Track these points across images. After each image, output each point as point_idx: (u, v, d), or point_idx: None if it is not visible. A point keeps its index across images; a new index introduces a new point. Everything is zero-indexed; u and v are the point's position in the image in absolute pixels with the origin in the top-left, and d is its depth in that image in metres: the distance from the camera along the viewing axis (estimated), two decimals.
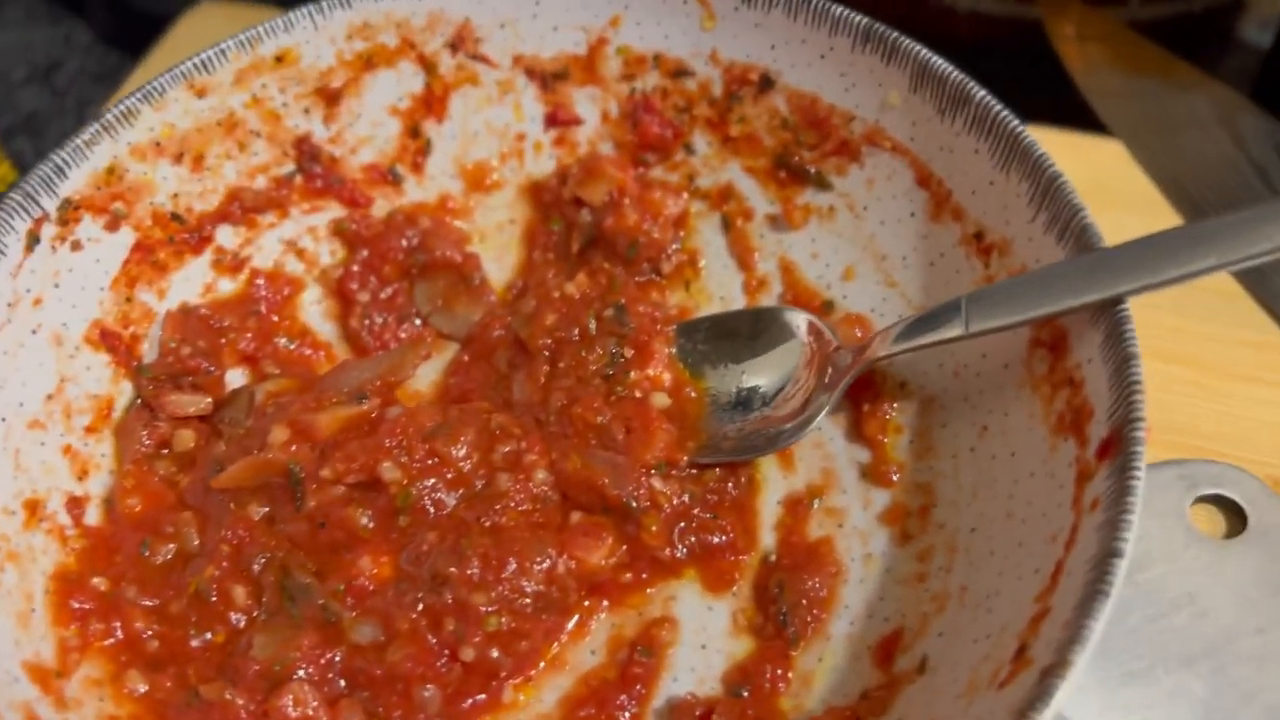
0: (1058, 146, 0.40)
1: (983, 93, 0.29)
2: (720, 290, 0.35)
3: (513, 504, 0.29)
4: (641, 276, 0.35)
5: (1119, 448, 0.23)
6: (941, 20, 0.47)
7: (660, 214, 0.34)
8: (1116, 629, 0.28)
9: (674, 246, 0.35)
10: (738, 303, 0.34)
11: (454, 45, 0.35)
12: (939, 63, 0.30)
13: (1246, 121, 0.39)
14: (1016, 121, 0.29)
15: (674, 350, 0.33)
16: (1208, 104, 0.40)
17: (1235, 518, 0.30)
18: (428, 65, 0.35)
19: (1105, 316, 0.25)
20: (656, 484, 0.30)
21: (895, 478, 0.30)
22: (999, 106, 0.29)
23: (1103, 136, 0.40)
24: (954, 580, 0.27)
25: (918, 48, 0.30)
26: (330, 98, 0.34)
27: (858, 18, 0.31)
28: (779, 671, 0.27)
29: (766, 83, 0.33)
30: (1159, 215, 0.36)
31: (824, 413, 0.30)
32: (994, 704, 0.22)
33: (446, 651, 0.27)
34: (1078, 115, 0.41)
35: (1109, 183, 0.34)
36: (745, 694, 0.27)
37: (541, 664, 0.28)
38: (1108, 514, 0.22)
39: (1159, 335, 0.34)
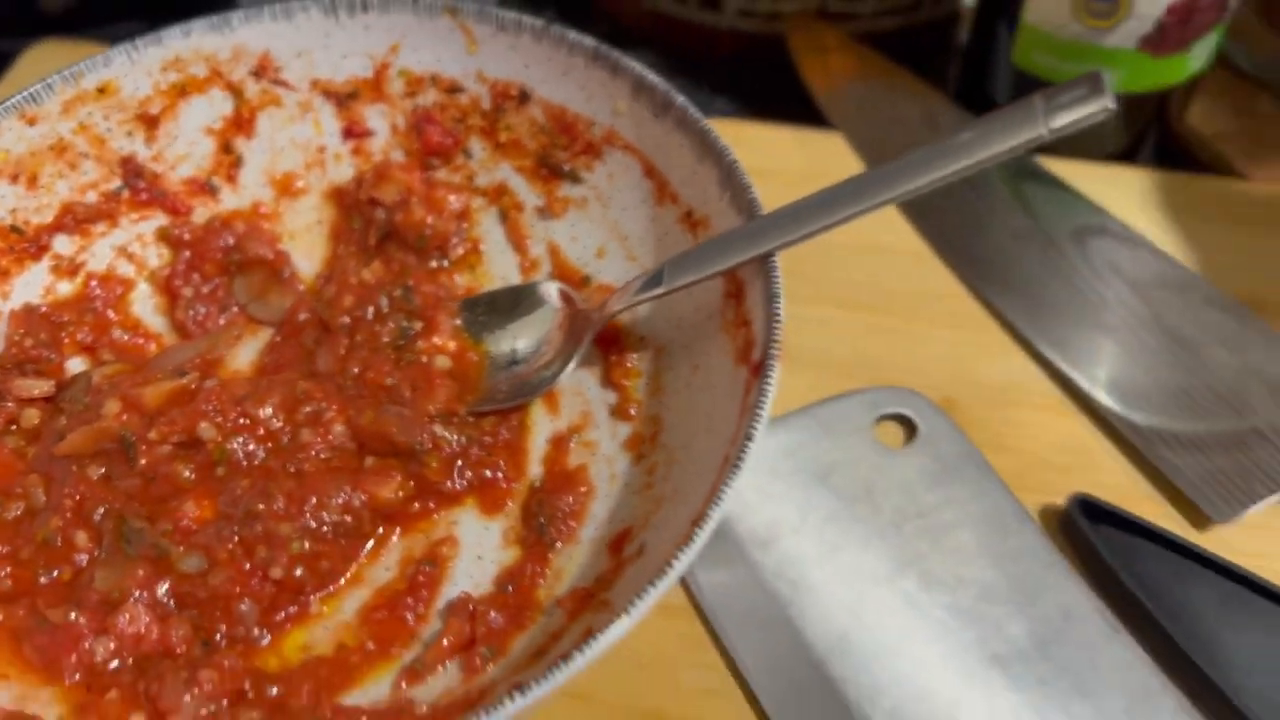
0: (790, 140, 0.47)
1: (681, 99, 0.36)
2: (500, 271, 0.41)
3: (314, 453, 0.35)
4: (432, 263, 0.41)
5: (764, 366, 0.30)
6: (707, 38, 0.54)
7: (444, 209, 0.41)
8: (812, 518, 0.35)
9: (458, 237, 0.41)
10: (515, 281, 0.41)
11: (257, 73, 0.40)
12: (650, 77, 0.37)
13: (946, 118, 0.47)
14: (705, 122, 0.35)
15: (459, 322, 0.39)
16: (917, 104, 0.47)
17: (910, 431, 0.37)
18: (235, 91, 0.40)
19: (763, 269, 0.32)
20: (438, 430, 0.36)
21: (634, 413, 0.36)
22: (693, 111, 0.36)
23: (830, 131, 0.47)
24: (669, 486, 0.33)
25: (634, 65, 0.37)
26: (150, 122, 0.39)
27: (588, 41, 0.38)
28: (538, 569, 0.34)
29: (524, 96, 0.40)
30: None
31: (574, 361, 0.36)
32: None
33: (259, 573, 0.33)
34: (818, 116, 0.48)
35: (830, 170, 0.41)
36: (510, 589, 0.33)
37: (342, 580, 0.34)
38: (752, 414, 0.29)
39: (864, 291, 0.42)
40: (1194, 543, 0.33)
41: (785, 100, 0.50)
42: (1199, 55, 0.42)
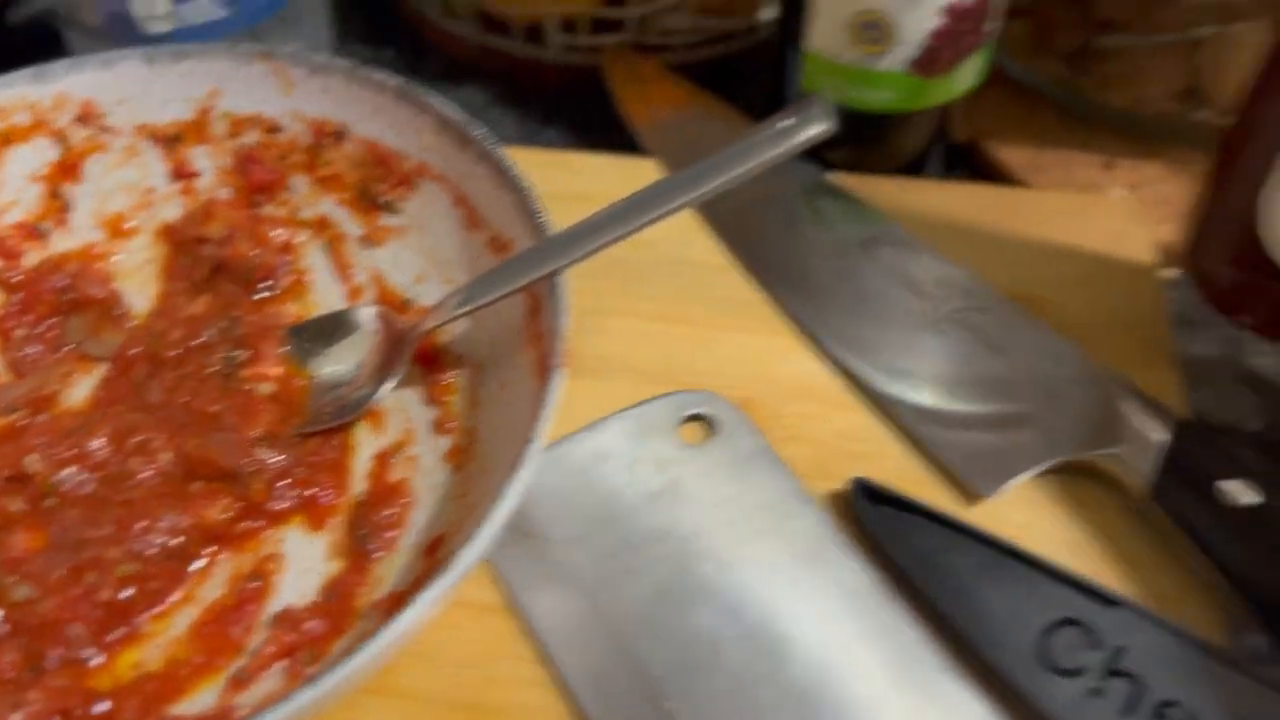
0: (610, 167, 0.50)
1: (480, 132, 0.39)
2: (327, 299, 0.43)
3: (143, 480, 0.37)
4: (260, 294, 0.43)
5: (548, 376, 0.33)
6: (534, 71, 0.57)
7: (270, 243, 0.43)
8: (618, 513, 0.38)
9: (285, 268, 0.43)
10: (341, 307, 0.43)
11: (82, 120, 0.42)
12: (451, 113, 0.40)
13: None
14: (502, 153, 0.38)
15: (286, 348, 0.41)
16: (725, 130, 0.51)
17: (710, 429, 0.41)
18: (61, 138, 0.42)
19: (552, 286, 0.35)
20: (261, 453, 0.38)
21: (452, 426, 0.39)
22: (491, 143, 0.39)
23: (647, 158, 0.50)
24: (480, 492, 0.36)
25: (436, 102, 0.40)
26: None
27: (393, 81, 0.40)
28: (358, 578, 0.36)
29: (341, 134, 0.42)
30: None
31: (392, 380, 0.39)
32: None
33: (89, 597, 0.35)
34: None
35: None
36: (331, 599, 0.36)
37: (173, 599, 0.36)
38: (536, 421, 0.32)
39: (672, 302, 0.45)
40: (960, 518, 0.37)
41: (610, 129, 0.53)
42: (967, 75, 0.46)
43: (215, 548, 0.37)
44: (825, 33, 0.44)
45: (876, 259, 0.45)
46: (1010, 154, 0.52)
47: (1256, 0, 0.46)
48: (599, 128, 0.55)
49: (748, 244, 0.46)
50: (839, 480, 0.39)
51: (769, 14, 0.55)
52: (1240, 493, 0.36)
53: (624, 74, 0.53)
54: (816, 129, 0.29)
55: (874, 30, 0.43)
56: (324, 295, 0.43)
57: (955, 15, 0.43)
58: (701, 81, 0.54)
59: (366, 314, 0.40)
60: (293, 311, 0.43)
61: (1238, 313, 0.39)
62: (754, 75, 0.56)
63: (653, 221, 0.33)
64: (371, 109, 0.41)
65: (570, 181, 0.49)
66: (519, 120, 0.56)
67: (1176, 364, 0.42)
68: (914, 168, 0.50)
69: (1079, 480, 0.39)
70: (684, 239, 0.47)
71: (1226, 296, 0.39)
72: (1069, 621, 0.35)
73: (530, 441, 0.31)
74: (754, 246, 0.46)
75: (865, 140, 0.48)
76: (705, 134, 0.50)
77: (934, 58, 0.44)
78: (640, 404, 0.41)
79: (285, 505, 0.38)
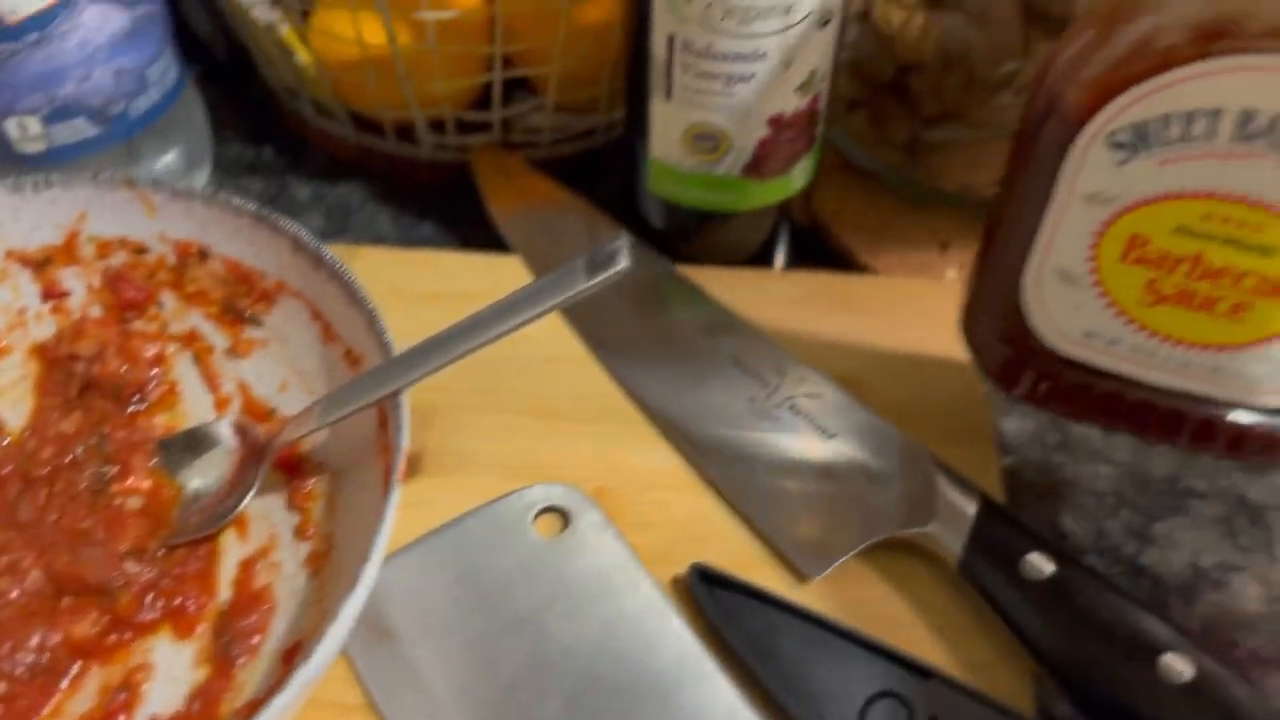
0: (477, 265, 0.53)
1: (331, 256, 0.41)
2: (197, 410, 0.45)
3: (12, 599, 0.39)
4: (131, 408, 0.45)
5: (389, 486, 0.35)
6: (408, 169, 0.59)
7: (140, 358, 0.45)
8: (469, 603, 0.40)
9: (156, 381, 0.45)
10: (210, 417, 0.45)
11: None
12: (304, 236, 0.42)
13: (606, 234, 0.53)
14: (351, 275, 0.41)
15: (155, 461, 0.43)
16: (583, 226, 0.54)
17: (565, 520, 0.43)
18: None
19: (394, 403, 0.37)
20: (129, 567, 0.40)
21: (312, 532, 0.41)
22: (340, 265, 0.41)
23: (511, 255, 0.53)
24: (334, 598, 0.38)
25: (291, 226, 0.42)
26: None
27: (251, 205, 0.43)
28: (223, 684, 0.38)
29: (204, 253, 0.45)
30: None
31: (252, 491, 0.41)
32: None
33: None
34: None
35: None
36: (196, 706, 0.37)
37: (42, 715, 0.37)
38: (373, 538, 0.34)
39: (534, 398, 0.48)
40: (788, 598, 0.40)
41: (482, 224, 0.56)
42: (799, 175, 0.49)
43: (84, 661, 0.39)
44: (664, 143, 0.47)
45: (719, 347, 0.48)
46: (852, 238, 0.56)
47: None
48: (471, 222, 0.58)
49: (603, 338, 0.49)
50: (682, 565, 0.42)
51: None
52: (1043, 565, 0.39)
53: (490, 170, 0.56)
54: (616, 269, 0.32)
55: (708, 141, 0.46)
56: (194, 406, 0.45)
57: (782, 125, 0.46)
58: (566, 175, 0.57)
59: (223, 428, 0.43)
60: (164, 423, 0.45)
61: (1011, 386, 0.41)
62: (615, 168, 0.59)
63: (475, 349, 0.36)
64: (231, 230, 0.43)
65: (438, 281, 0.52)
66: (395, 216, 0.59)
67: (993, 439, 0.46)
68: (761, 257, 0.53)
69: (901, 556, 0.42)
70: (548, 336, 0.50)
71: (1000, 370, 0.41)
72: (887, 694, 0.38)
73: (367, 560, 0.33)
74: (608, 340, 0.49)
75: (710, 235, 0.51)
76: (561, 228, 0.53)
77: (766, 163, 0.47)
78: (498, 499, 0.44)
79: (153, 616, 0.40)
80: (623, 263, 0.32)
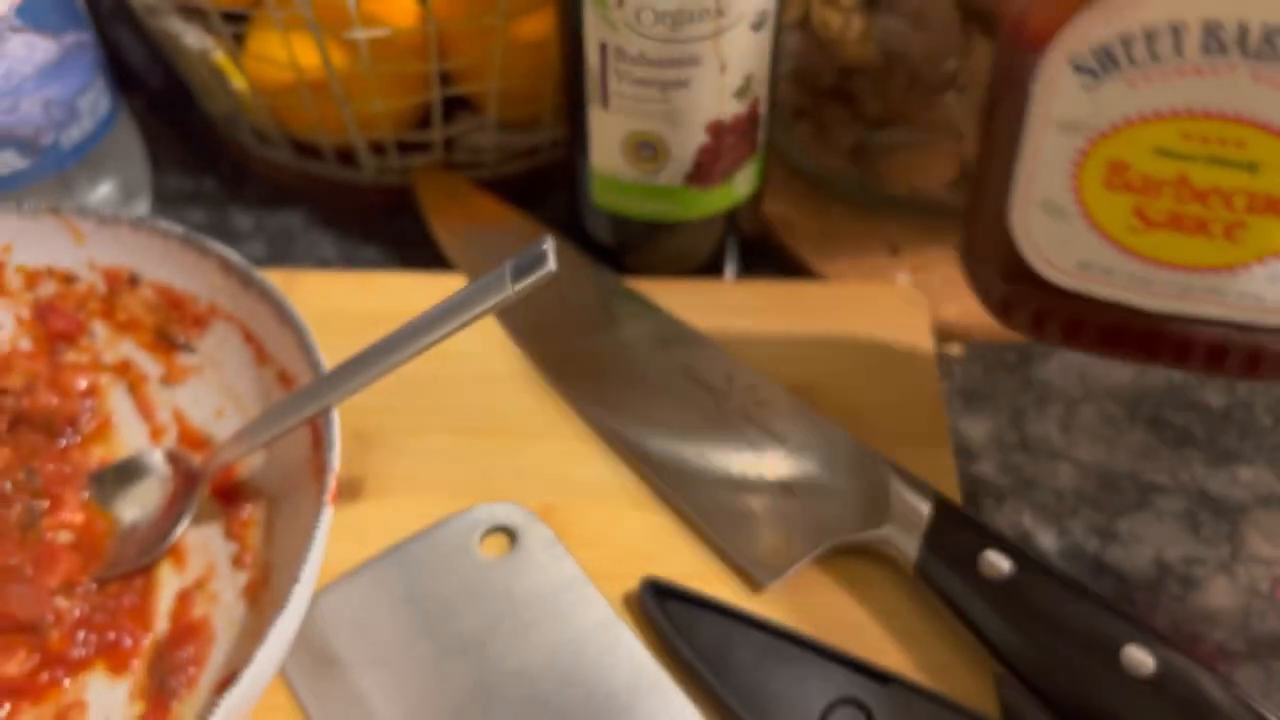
0: (420, 285, 0.52)
1: (260, 276, 0.41)
2: (132, 440, 0.44)
3: None
4: (63, 441, 0.44)
5: (320, 507, 0.34)
6: (352, 193, 0.59)
7: (71, 390, 0.44)
8: (414, 628, 0.39)
9: (89, 412, 0.44)
10: (146, 447, 0.44)
11: None
12: (233, 257, 0.41)
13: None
14: (281, 293, 0.40)
15: (88, 494, 0.42)
16: (520, 239, 0.53)
17: (511, 540, 0.42)
18: None
19: (325, 421, 0.36)
20: (60, 603, 0.38)
21: (249, 561, 0.40)
22: (270, 284, 0.40)
23: (454, 274, 0.52)
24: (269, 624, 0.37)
25: (218, 247, 0.41)
26: None
27: (178, 229, 0.42)
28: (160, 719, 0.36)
29: (134, 279, 0.43)
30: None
31: (186, 519, 0.40)
32: None
33: None
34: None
35: None
36: None
37: None
38: (304, 558, 0.33)
39: (477, 416, 0.47)
40: (743, 608, 0.39)
41: (427, 245, 0.55)
42: (742, 183, 0.49)
43: (14, 702, 0.37)
44: (604, 153, 0.47)
45: (669, 359, 0.47)
46: (803, 245, 0.55)
47: None
48: (416, 243, 0.57)
49: (548, 352, 0.48)
50: (633, 580, 0.41)
51: None
52: (1000, 564, 0.38)
53: (432, 191, 0.56)
54: (542, 272, 0.31)
55: (647, 150, 0.46)
56: (128, 436, 0.44)
57: (720, 132, 0.46)
58: (512, 194, 0.56)
59: (154, 456, 0.41)
60: (98, 455, 0.44)
61: (1012, 321, 0.40)
62: (561, 185, 0.59)
63: (404, 360, 0.35)
64: (160, 254, 0.42)
65: (380, 302, 0.51)
66: (338, 241, 0.58)
67: (949, 441, 0.45)
68: (710, 267, 0.53)
69: (857, 561, 0.41)
70: (487, 352, 0.49)
71: (1001, 308, 0.40)
72: (847, 701, 0.37)
73: (297, 581, 0.32)
74: (553, 354, 0.48)
75: (657, 246, 0.51)
76: (503, 245, 0.52)
77: (705, 173, 0.47)
78: (443, 521, 0.42)
79: (86, 652, 0.38)
80: (549, 265, 0.31)
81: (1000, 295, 0.40)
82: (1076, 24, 0.31)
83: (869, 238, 0.56)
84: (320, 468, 0.37)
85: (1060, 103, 0.33)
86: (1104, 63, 0.32)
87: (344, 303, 0.50)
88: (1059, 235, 0.36)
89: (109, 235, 0.43)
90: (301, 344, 0.39)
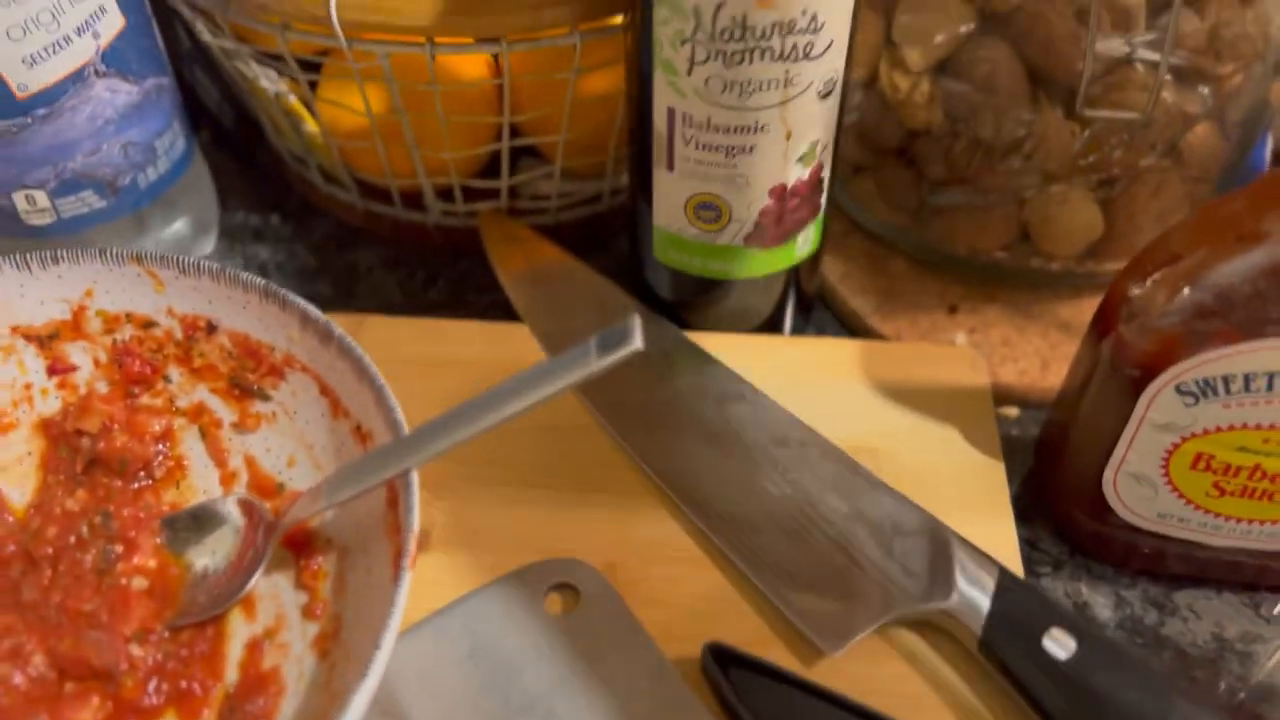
0: (481, 333, 0.53)
1: (340, 332, 0.41)
2: (203, 485, 0.45)
3: (14, 686, 0.38)
4: (138, 484, 0.44)
5: (398, 574, 0.35)
6: (417, 234, 0.59)
7: (146, 433, 0.44)
8: (479, 684, 0.39)
9: (162, 456, 0.45)
10: (217, 492, 0.45)
11: None
12: (313, 311, 0.42)
13: (613, 306, 0.53)
14: (360, 350, 0.40)
15: (160, 539, 0.43)
16: (589, 294, 0.54)
17: (575, 597, 0.42)
18: None
19: (404, 483, 0.37)
20: (134, 650, 0.39)
21: (320, 612, 0.40)
22: (349, 340, 0.41)
23: (516, 323, 0.53)
24: (342, 682, 0.37)
25: (299, 301, 0.42)
26: None
27: (259, 281, 0.43)
28: None
29: (211, 328, 0.44)
30: None
31: (259, 570, 0.40)
32: None
33: None
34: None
35: (515, 360, 0.46)
36: None
37: None
38: (385, 625, 0.33)
39: (542, 469, 0.47)
40: (805, 676, 0.39)
41: (491, 288, 0.56)
42: (804, 243, 0.49)
43: None
44: (667, 212, 0.47)
45: (728, 416, 0.47)
46: (860, 301, 0.56)
47: (1069, 165, 0.50)
48: (479, 287, 0.58)
49: (610, 406, 0.48)
50: (695, 642, 0.41)
51: None
52: (1065, 642, 0.38)
53: (496, 236, 0.56)
54: (627, 349, 0.32)
55: (710, 210, 0.46)
56: (200, 481, 0.45)
57: (783, 196, 0.46)
58: (573, 240, 0.57)
59: (229, 505, 0.42)
60: (170, 499, 0.44)
61: (1097, 555, 0.46)
62: (620, 233, 0.60)
63: (485, 430, 0.35)
64: (240, 305, 0.43)
65: (446, 348, 0.52)
66: (402, 282, 0.59)
67: (1011, 511, 0.45)
68: (771, 323, 0.53)
69: (920, 631, 0.41)
70: (551, 405, 0.49)
71: (1085, 541, 0.46)
72: None
73: (375, 650, 0.33)
74: (616, 408, 0.48)
75: (716, 302, 0.51)
76: (568, 294, 0.53)
77: (766, 233, 0.47)
78: (506, 576, 0.43)
79: (158, 701, 0.39)
80: (635, 343, 0.32)
81: (1083, 529, 0.45)
82: (1189, 363, 0.37)
83: (927, 296, 0.56)
84: (396, 526, 0.38)
85: (1162, 412, 0.39)
86: (1205, 390, 0.38)
87: (411, 348, 0.51)
88: (1144, 495, 0.42)
89: (189, 284, 0.43)
90: (380, 401, 0.39)
